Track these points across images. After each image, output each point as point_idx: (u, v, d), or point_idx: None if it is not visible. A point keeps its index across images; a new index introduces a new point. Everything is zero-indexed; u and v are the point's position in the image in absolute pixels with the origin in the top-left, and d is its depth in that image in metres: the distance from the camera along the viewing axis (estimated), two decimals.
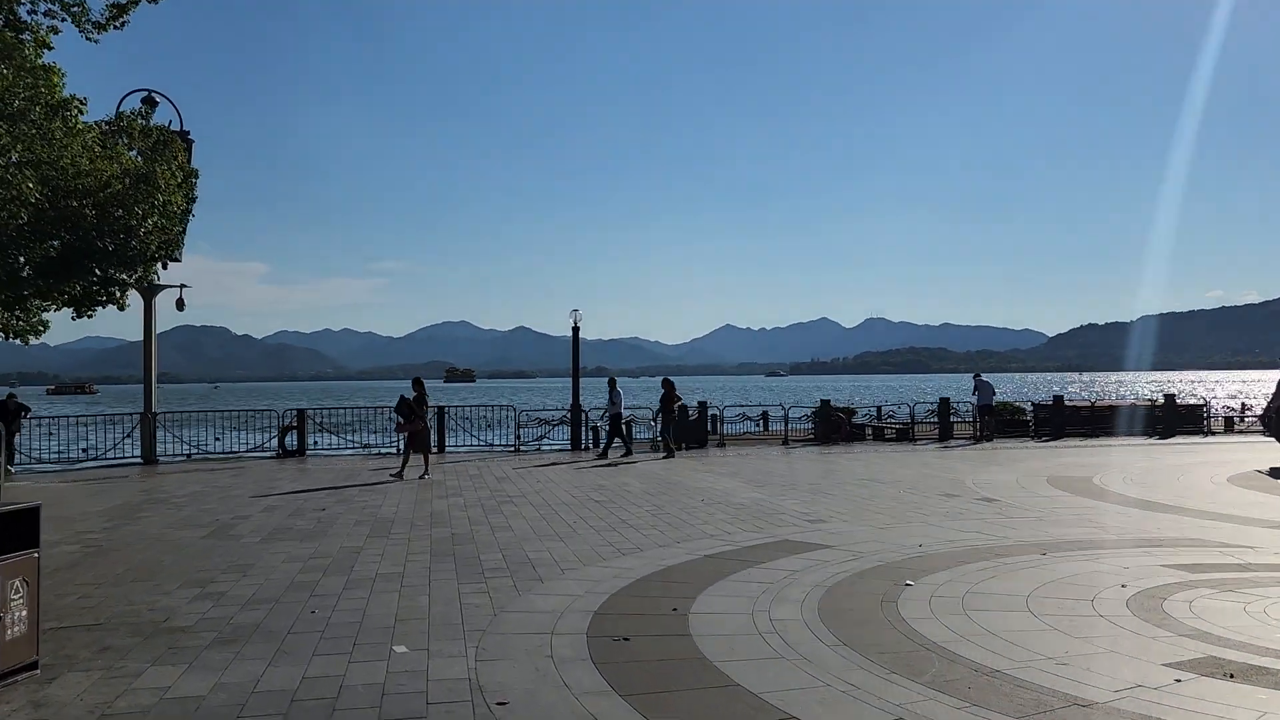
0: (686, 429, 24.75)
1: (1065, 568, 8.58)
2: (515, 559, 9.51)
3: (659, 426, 23.37)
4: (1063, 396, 28.88)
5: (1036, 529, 10.82)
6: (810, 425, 28.22)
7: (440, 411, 25.22)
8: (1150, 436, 27.03)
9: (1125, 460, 19.79)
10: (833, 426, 26.20)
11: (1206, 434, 28.01)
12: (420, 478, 17.51)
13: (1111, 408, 28.90)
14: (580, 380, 25.60)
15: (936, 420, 27.71)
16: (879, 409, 34.43)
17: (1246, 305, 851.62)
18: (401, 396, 18.34)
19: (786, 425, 26.88)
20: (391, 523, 12.17)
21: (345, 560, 9.58)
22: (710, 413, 26.31)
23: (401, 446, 19.05)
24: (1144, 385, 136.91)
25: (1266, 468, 17.71)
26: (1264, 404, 30.13)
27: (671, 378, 26.31)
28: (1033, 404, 31.10)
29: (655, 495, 14.67)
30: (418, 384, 18.67)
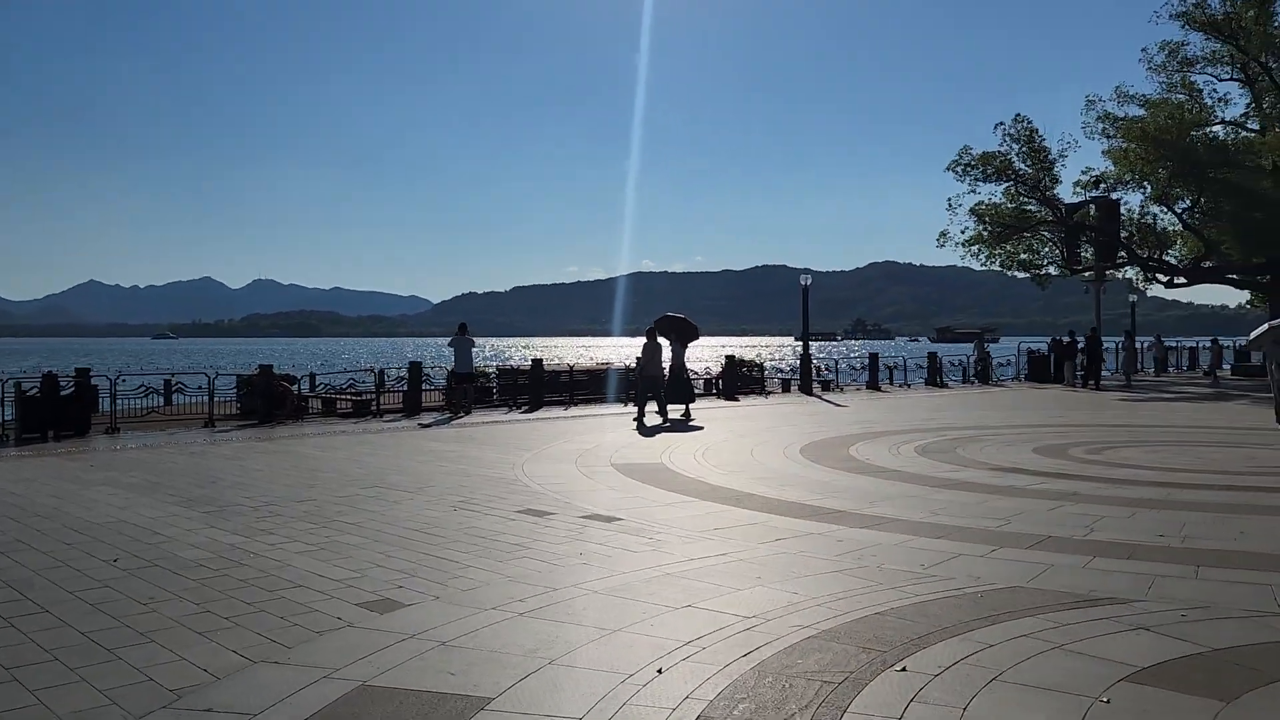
0: (53, 409, 16.52)
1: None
2: None
3: None
4: (541, 360, 25.59)
5: (750, 579, 6.35)
6: (237, 398, 21.31)
7: None
8: (626, 403, 24.89)
9: (658, 431, 16.68)
10: (277, 400, 19.69)
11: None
12: None
13: (589, 372, 26.34)
14: None
15: (404, 390, 22.58)
16: (313, 376, 28.44)
17: (595, 281, 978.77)
18: None
19: (212, 400, 19.69)
20: None
21: None
22: (94, 383, 18.20)
23: None
24: (523, 350, 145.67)
25: (809, 441, 15.63)
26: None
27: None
28: (498, 368, 27.57)
29: (6, 547, 7.55)
30: None
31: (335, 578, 6.63)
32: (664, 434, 16.95)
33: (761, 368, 31.47)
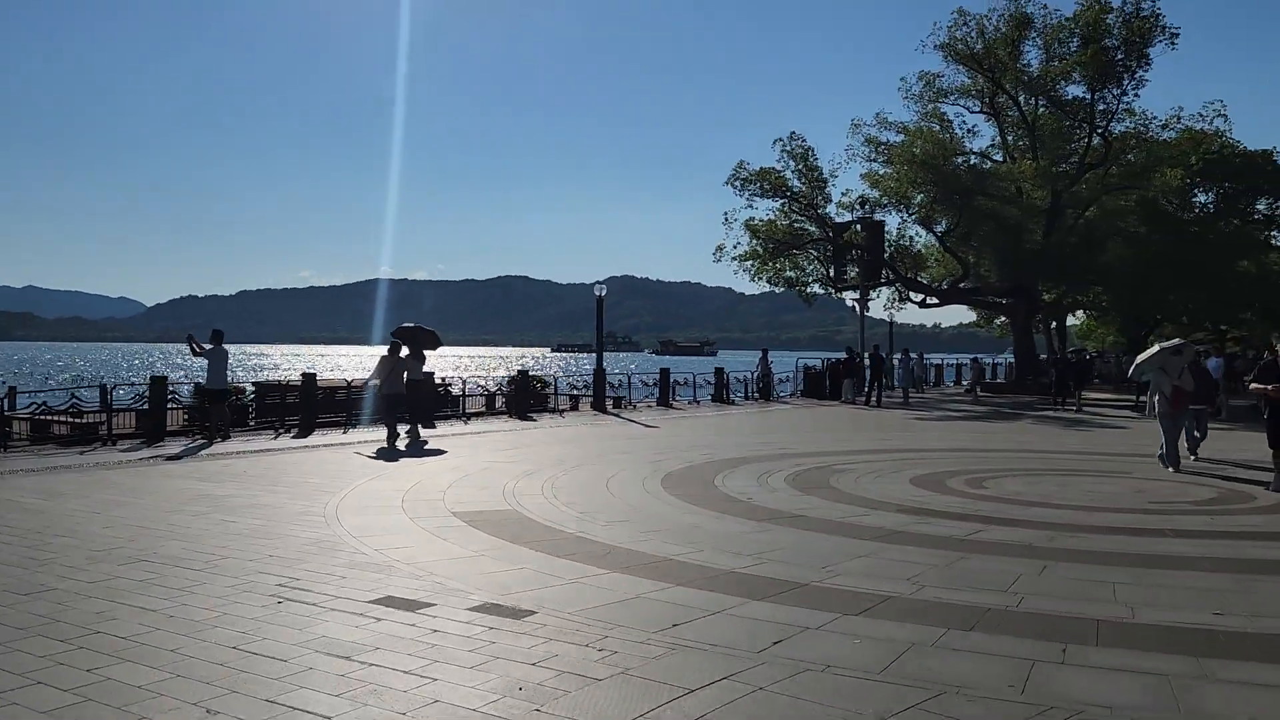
0: None
1: None
2: None
3: None
4: (315, 375, 22.01)
5: None
6: None
7: None
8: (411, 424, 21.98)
9: (475, 463, 14.01)
10: None
11: (464, 417, 24.06)
12: None
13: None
14: None
15: (143, 409, 18.53)
16: (13, 390, 23.64)
17: (331, 286, 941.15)
18: None
19: None
20: None
21: None
22: None
23: None
24: (262, 358, 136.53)
25: (664, 474, 13.61)
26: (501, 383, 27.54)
27: None
28: (255, 384, 23.76)
29: None
30: None
31: None
32: (449, 462, 14.36)
33: (548, 383, 29.30)
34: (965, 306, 56.46)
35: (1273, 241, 48.67)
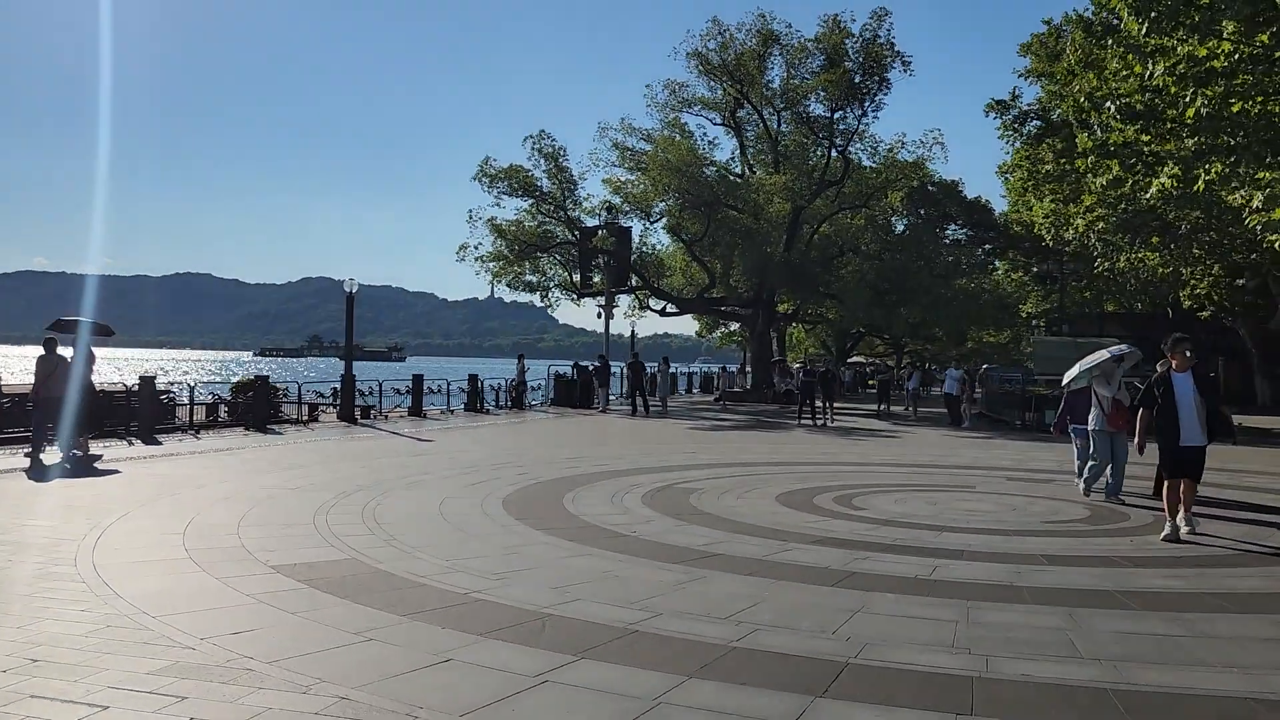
0: None
1: None
2: None
3: None
4: None
5: None
6: None
7: None
8: (129, 440, 18.13)
9: (251, 489, 11.03)
10: None
11: (194, 429, 20.21)
12: None
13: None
14: None
15: None
16: None
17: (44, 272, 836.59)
18: None
19: None
20: None
21: None
22: None
23: None
24: None
25: (500, 496, 11.38)
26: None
27: None
28: None
29: None
30: None
31: None
32: (218, 490, 11.39)
33: (287, 391, 25.76)
34: (691, 315, 57.50)
35: (962, 266, 52.95)
